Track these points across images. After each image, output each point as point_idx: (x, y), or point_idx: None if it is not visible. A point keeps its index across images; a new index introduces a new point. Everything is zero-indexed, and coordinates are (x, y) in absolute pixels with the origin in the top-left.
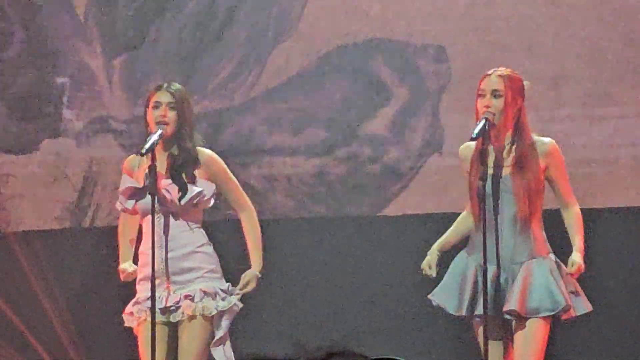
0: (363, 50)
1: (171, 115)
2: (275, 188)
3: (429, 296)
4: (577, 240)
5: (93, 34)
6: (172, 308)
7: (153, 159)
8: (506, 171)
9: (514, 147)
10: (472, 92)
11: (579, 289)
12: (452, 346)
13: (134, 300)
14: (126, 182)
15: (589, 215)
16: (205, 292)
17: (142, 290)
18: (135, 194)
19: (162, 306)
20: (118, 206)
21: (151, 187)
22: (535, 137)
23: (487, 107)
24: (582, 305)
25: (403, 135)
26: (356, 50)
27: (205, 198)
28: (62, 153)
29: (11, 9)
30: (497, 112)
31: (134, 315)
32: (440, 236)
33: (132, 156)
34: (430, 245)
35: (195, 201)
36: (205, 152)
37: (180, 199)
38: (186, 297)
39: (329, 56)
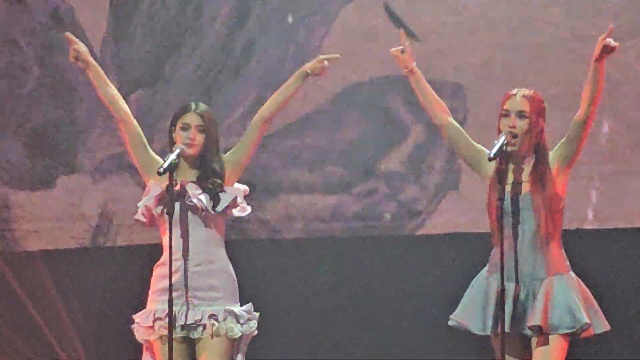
0: (379, 87)
1: (199, 138)
2: (291, 225)
3: (451, 316)
4: None
5: (109, 70)
6: (192, 325)
7: (170, 177)
8: (525, 188)
9: (534, 165)
10: (489, 130)
11: (597, 307)
12: None
13: (148, 312)
14: (156, 189)
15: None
16: (229, 313)
17: (160, 301)
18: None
19: (182, 322)
20: (138, 216)
21: (168, 205)
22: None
23: (513, 127)
24: (601, 324)
25: (419, 173)
26: (372, 87)
27: (239, 201)
28: (77, 190)
29: (27, 45)
30: (521, 132)
31: (155, 331)
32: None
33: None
34: (448, 265)
35: (230, 208)
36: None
37: (214, 207)
38: (211, 316)
39: (346, 93)
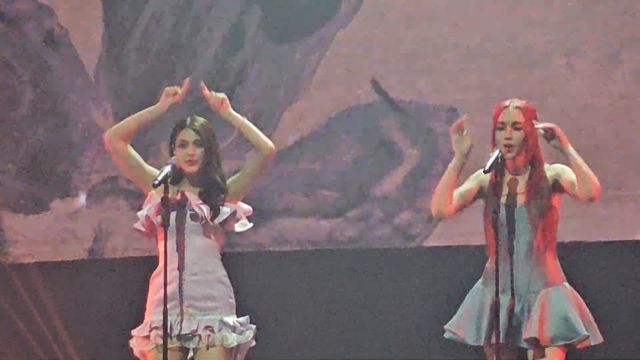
0: (374, 111)
1: (198, 152)
2: (285, 249)
3: (446, 327)
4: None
5: (103, 94)
6: (188, 335)
7: (166, 191)
8: (521, 199)
9: (529, 176)
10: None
11: (592, 319)
12: None
13: (145, 323)
14: (157, 198)
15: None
16: (224, 323)
17: (156, 312)
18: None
19: (178, 332)
20: (137, 225)
21: (164, 217)
22: (546, 166)
23: (509, 139)
24: (595, 335)
25: (414, 197)
26: (367, 111)
27: (237, 216)
28: (71, 213)
29: (21, 68)
30: (517, 144)
31: (150, 341)
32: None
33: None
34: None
35: (228, 221)
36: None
37: (213, 219)
38: (206, 327)
39: (340, 117)
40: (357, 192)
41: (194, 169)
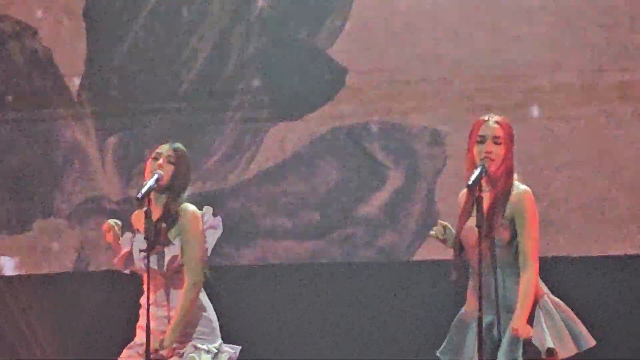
0: (358, 132)
1: (167, 167)
2: (267, 271)
3: (438, 353)
4: (519, 307)
5: (86, 114)
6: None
7: (149, 203)
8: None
9: (496, 189)
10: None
11: (579, 322)
12: None
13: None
14: (125, 246)
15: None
16: (195, 347)
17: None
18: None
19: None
20: (117, 262)
21: (148, 231)
22: (515, 183)
23: (489, 152)
24: (587, 341)
25: (398, 219)
26: (351, 132)
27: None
28: (54, 233)
29: (3, 88)
30: (498, 158)
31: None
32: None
33: (137, 212)
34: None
35: (172, 264)
36: (187, 208)
37: (160, 267)
38: (177, 354)
39: (324, 138)
40: (340, 214)
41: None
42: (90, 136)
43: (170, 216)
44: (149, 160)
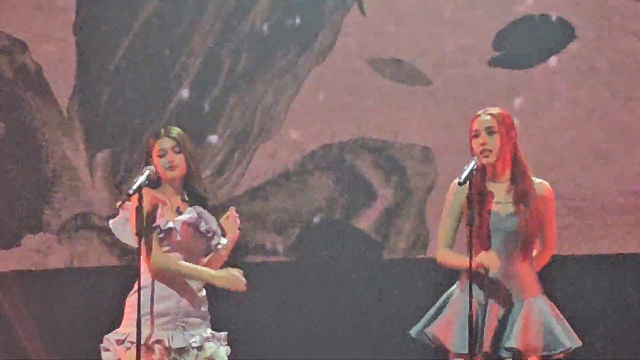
0: (348, 149)
1: (178, 158)
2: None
3: (427, 330)
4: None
5: (76, 129)
6: (184, 348)
7: (140, 200)
8: (509, 209)
9: (515, 185)
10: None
11: (568, 325)
12: None
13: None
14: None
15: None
16: (212, 337)
17: (157, 327)
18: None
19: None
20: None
21: (139, 228)
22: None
23: (484, 144)
24: (574, 340)
25: (388, 236)
26: (341, 149)
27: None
28: (42, 249)
29: None
30: (494, 149)
31: (155, 353)
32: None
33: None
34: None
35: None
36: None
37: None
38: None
39: (314, 155)
40: (330, 231)
41: (174, 173)
42: (80, 152)
43: (203, 199)
44: (154, 160)
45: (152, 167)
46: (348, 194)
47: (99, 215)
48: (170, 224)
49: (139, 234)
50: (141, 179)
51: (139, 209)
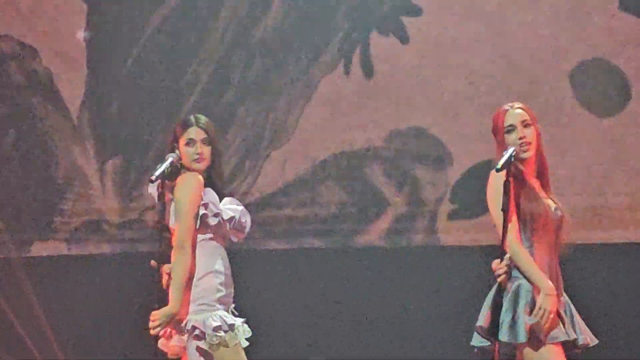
0: (359, 158)
1: (206, 151)
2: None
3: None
4: None
5: (86, 137)
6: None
7: (162, 186)
8: (550, 202)
9: (542, 179)
10: (470, 204)
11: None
12: None
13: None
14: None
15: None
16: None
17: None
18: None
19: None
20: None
21: (160, 215)
22: None
23: (524, 137)
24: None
25: (399, 245)
26: (352, 158)
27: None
28: (53, 256)
29: (3, 108)
30: (533, 141)
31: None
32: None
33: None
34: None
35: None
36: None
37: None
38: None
39: (325, 163)
40: (341, 240)
41: (201, 166)
42: (90, 158)
43: (221, 195)
44: (182, 147)
45: (176, 154)
46: (359, 203)
47: (109, 222)
48: (230, 213)
49: (160, 222)
50: (164, 165)
51: (160, 196)
